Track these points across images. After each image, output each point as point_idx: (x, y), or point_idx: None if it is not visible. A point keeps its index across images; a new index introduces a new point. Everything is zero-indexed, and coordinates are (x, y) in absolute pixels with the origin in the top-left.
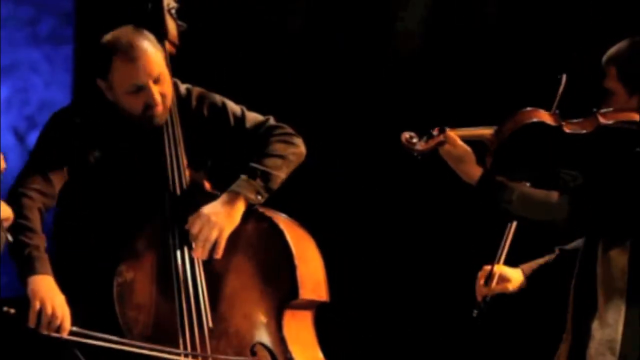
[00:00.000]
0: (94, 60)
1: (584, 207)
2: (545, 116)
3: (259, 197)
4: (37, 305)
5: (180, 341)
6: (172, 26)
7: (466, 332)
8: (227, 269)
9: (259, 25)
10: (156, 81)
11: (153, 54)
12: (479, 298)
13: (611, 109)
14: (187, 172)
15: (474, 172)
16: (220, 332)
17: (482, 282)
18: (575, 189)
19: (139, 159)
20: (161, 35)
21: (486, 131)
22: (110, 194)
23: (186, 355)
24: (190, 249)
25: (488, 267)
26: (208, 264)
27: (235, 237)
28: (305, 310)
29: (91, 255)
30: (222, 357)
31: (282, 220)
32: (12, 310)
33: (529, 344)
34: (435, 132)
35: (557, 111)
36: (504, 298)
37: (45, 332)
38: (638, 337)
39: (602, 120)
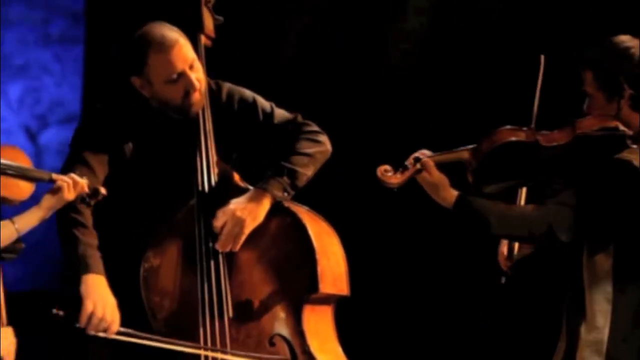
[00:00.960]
0: (128, 59)
1: (565, 218)
2: (520, 134)
3: (286, 194)
4: (90, 306)
5: (201, 330)
6: (208, 20)
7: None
8: (251, 261)
9: (259, 25)
10: (191, 68)
11: (184, 41)
12: (505, 268)
13: (588, 117)
14: (217, 165)
15: (449, 197)
16: (241, 322)
17: (505, 253)
18: (555, 200)
19: (171, 151)
20: (198, 29)
21: (463, 153)
22: (142, 183)
23: (213, 351)
24: (214, 240)
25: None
26: (232, 255)
27: (260, 231)
28: (325, 304)
29: (121, 242)
30: (242, 352)
31: (306, 215)
32: (61, 313)
33: (530, 342)
34: (409, 163)
35: (532, 126)
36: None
37: (92, 333)
38: (625, 339)
39: (579, 129)
